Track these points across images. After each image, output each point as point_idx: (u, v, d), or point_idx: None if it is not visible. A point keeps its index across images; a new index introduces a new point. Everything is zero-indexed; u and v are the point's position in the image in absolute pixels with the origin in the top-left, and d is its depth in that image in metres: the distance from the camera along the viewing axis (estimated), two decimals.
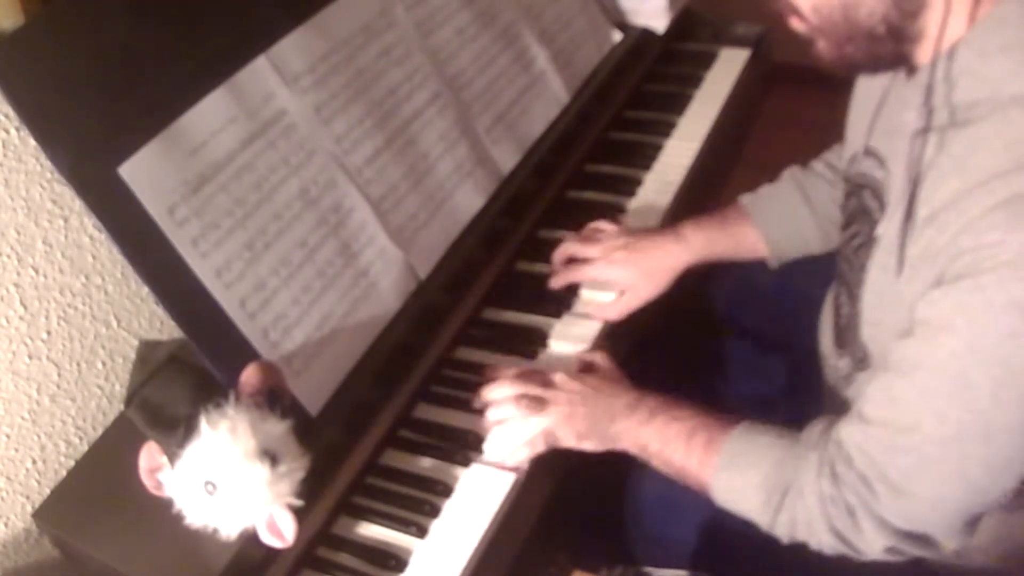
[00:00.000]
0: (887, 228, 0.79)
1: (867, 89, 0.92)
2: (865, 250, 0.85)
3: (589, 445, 0.93)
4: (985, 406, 0.69)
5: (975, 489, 0.73)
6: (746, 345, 1.23)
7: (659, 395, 0.93)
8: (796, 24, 0.79)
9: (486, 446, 0.93)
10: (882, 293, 0.80)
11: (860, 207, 0.88)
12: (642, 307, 1.09)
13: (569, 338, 1.05)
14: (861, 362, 0.88)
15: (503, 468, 0.91)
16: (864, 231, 0.87)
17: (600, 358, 1.00)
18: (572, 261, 1.12)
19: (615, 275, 1.09)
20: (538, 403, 0.92)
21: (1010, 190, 0.67)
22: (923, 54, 0.76)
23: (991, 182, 0.68)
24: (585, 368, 0.99)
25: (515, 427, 0.92)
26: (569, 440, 0.92)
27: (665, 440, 0.89)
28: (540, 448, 0.92)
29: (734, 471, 0.85)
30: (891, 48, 0.76)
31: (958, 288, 0.69)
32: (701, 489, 0.88)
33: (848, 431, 0.79)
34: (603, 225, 1.16)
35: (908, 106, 0.77)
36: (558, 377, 0.95)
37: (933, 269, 0.71)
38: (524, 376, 0.96)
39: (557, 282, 1.11)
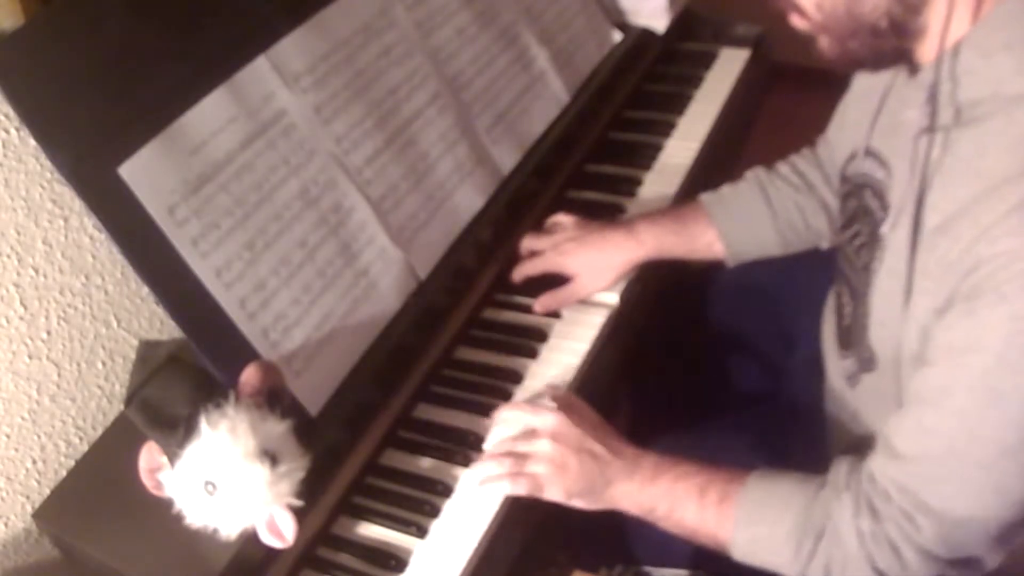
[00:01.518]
0: (896, 234, 0.78)
1: (867, 88, 0.92)
2: (868, 250, 0.85)
3: (580, 504, 0.89)
4: (1018, 416, 0.68)
5: (1017, 503, 0.71)
6: (744, 346, 1.23)
7: (655, 452, 0.89)
8: (797, 22, 0.79)
9: (462, 486, 0.90)
10: (892, 298, 0.79)
11: (861, 207, 0.88)
12: (586, 296, 1.08)
13: (569, 338, 1.05)
14: (868, 363, 0.87)
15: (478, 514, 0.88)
16: (866, 231, 0.86)
17: (578, 404, 0.94)
18: (534, 255, 1.12)
19: (564, 265, 1.09)
20: (523, 459, 0.88)
21: (1020, 194, 0.66)
22: (926, 51, 0.76)
23: (1002, 187, 0.67)
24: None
25: (499, 486, 0.88)
26: (557, 496, 0.88)
27: (674, 500, 0.86)
28: (522, 492, 0.88)
29: (757, 523, 0.82)
30: (894, 44, 0.76)
31: (980, 305, 0.68)
32: (718, 547, 0.85)
33: (881, 467, 0.77)
34: (561, 218, 1.16)
35: (911, 105, 0.77)
36: (551, 424, 0.89)
37: (947, 281, 0.70)
38: (510, 428, 0.92)
39: (516, 275, 1.11)
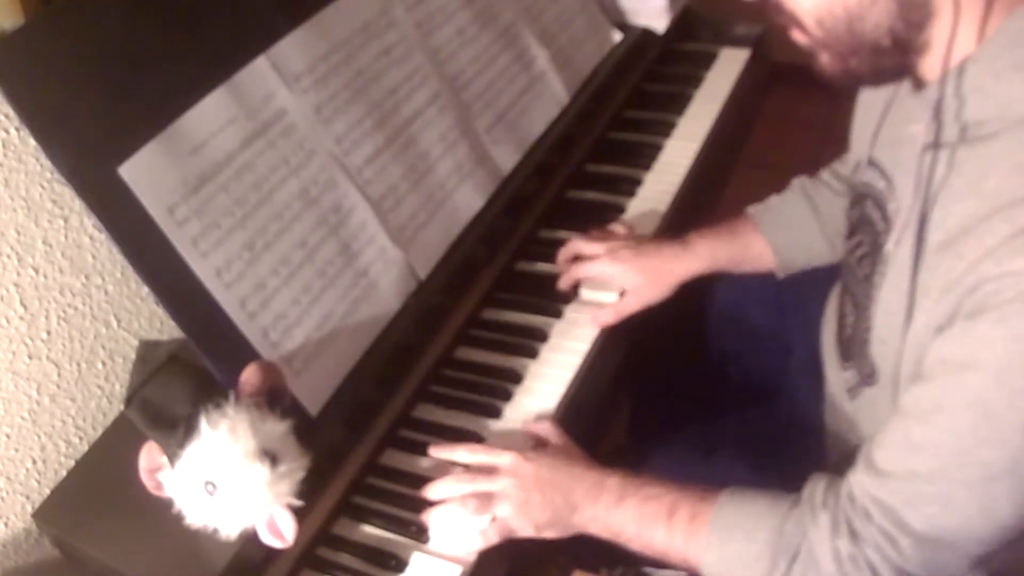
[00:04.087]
0: (900, 250, 0.77)
1: (870, 98, 0.91)
2: (869, 261, 0.84)
3: (551, 534, 0.87)
4: (1014, 441, 0.66)
5: (1002, 526, 0.70)
6: (742, 349, 1.22)
7: (620, 472, 0.87)
8: (798, 37, 0.77)
9: (433, 536, 0.87)
10: (894, 315, 0.77)
11: (863, 217, 0.87)
12: (640, 311, 1.07)
13: (569, 338, 1.05)
14: (869, 377, 0.86)
15: (454, 560, 0.85)
16: (867, 241, 0.86)
17: (550, 430, 0.94)
18: (578, 260, 1.11)
19: (618, 273, 1.08)
20: (487, 499, 0.86)
21: None
22: (929, 67, 0.74)
23: (1008, 208, 0.66)
24: (536, 444, 0.94)
25: (465, 525, 0.86)
26: (527, 531, 0.86)
27: (642, 522, 0.84)
28: (494, 540, 0.86)
29: (728, 543, 0.80)
30: (895, 60, 0.74)
31: (981, 323, 0.66)
32: (690, 568, 0.83)
33: (861, 485, 0.74)
34: (614, 227, 1.15)
35: (915, 119, 0.75)
36: (508, 462, 0.88)
37: (949, 299, 0.69)
38: (470, 470, 0.90)
39: (563, 282, 1.10)
